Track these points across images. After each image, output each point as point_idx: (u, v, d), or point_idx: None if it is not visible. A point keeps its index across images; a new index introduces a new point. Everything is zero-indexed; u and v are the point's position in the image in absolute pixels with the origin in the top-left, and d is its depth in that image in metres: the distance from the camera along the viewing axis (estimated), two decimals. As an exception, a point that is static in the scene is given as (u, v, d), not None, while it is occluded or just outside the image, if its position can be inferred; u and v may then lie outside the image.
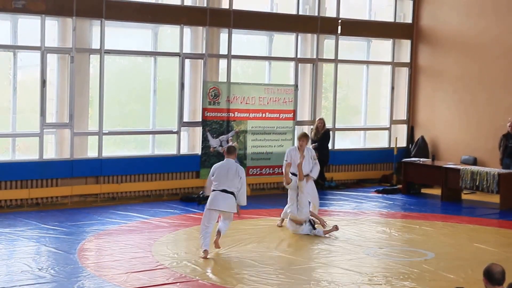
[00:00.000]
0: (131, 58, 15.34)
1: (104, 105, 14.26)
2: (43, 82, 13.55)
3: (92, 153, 14.28)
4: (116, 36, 14.77)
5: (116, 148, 15.00)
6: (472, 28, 17.15)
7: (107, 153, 14.41)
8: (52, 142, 14.07)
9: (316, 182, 16.44)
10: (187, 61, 15.17)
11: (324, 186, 16.44)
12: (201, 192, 14.81)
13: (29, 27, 13.64)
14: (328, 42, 17.18)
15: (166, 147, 15.30)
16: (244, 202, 10.40)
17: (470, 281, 8.84)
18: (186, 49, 15.17)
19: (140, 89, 15.39)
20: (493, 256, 10.33)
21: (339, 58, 17.24)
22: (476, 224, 13.13)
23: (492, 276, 5.89)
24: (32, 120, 13.69)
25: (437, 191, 16.20)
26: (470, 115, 17.16)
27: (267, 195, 15.82)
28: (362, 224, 12.88)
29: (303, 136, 12.14)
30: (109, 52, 14.26)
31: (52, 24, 13.85)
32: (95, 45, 14.16)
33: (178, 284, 8.78)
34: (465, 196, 16.07)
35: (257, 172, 15.76)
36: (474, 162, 16.67)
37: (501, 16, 16.61)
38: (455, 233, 12.28)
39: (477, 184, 14.96)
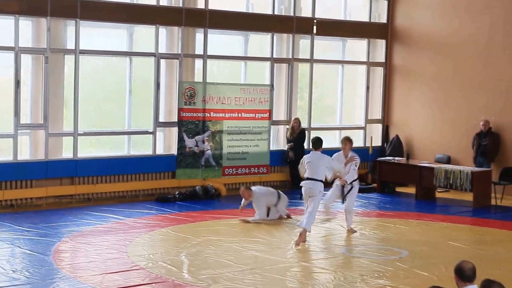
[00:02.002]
0: (106, 58, 15.27)
1: (79, 106, 14.19)
2: (17, 83, 13.45)
3: (67, 154, 14.20)
4: (91, 36, 14.70)
5: (91, 149, 14.93)
6: (446, 28, 17.29)
7: (82, 154, 14.34)
8: (27, 143, 13.96)
9: (292, 181, 16.58)
10: (162, 61, 15.13)
11: (300, 186, 16.43)
12: (176, 192, 14.80)
13: (3, 27, 13.53)
14: (304, 42, 17.22)
15: (141, 148, 15.25)
16: None
17: (444, 279, 8.91)
18: (162, 49, 15.14)
19: (116, 89, 15.33)
20: (467, 254, 10.42)
21: (314, 58, 17.29)
22: (450, 222, 13.24)
23: (463, 273, 5.94)
24: (6, 121, 13.58)
25: (411, 190, 16.31)
26: (444, 114, 17.29)
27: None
28: (336, 222, 12.93)
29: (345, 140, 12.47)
30: (84, 52, 14.19)
31: (26, 24, 13.75)
32: (70, 45, 14.08)
33: (153, 284, 8.76)
34: (439, 194, 16.20)
35: (233, 172, 15.76)
36: (448, 160, 16.79)
37: (474, 16, 16.75)
38: (429, 231, 12.37)
39: (450, 182, 15.08)
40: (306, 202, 11.45)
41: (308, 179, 11.42)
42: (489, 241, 11.77)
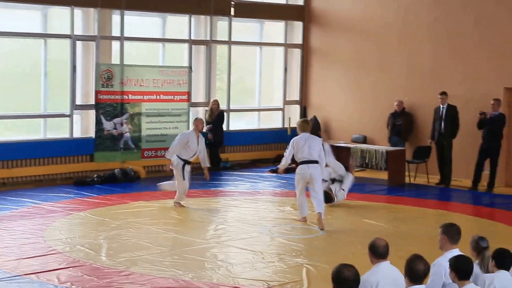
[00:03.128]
0: (20, 40, 14.86)
1: (-7, 89, 13.80)
2: None
3: (-19, 138, 13.81)
4: (4, 17, 14.27)
5: (7, 133, 14.56)
6: (363, 10, 17.51)
7: (-3, 137, 13.98)
8: None
9: (211, 163, 16.56)
10: (78, 43, 14.84)
11: (219, 167, 16.50)
12: (95, 175, 14.59)
13: None
14: (222, 24, 17.17)
15: (58, 131, 14.96)
16: None
17: (359, 256, 9.07)
18: (77, 31, 14.83)
19: (31, 72, 14.95)
20: (382, 231, 10.65)
21: (232, 39, 17.26)
22: (366, 201, 13.50)
23: (377, 250, 6.08)
24: None
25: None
26: (360, 95, 17.56)
27: (162, 177, 15.71)
28: (257, 203, 13.02)
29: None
30: (-4, 34, 13.79)
31: None
32: (-18, 27, 13.66)
33: (70, 268, 8.63)
34: (355, 173, 16.43)
35: (153, 154, 15.63)
36: (364, 140, 17.09)
37: (390, 0, 17.04)
38: (346, 210, 12.57)
39: (366, 161, 15.37)
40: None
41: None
42: (403, 218, 12.06)
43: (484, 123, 14.38)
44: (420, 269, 5.45)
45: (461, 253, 6.12)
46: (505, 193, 14.41)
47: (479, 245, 6.46)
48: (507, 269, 6.11)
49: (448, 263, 5.78)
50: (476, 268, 6.40)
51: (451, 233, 6.41)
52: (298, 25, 18.52)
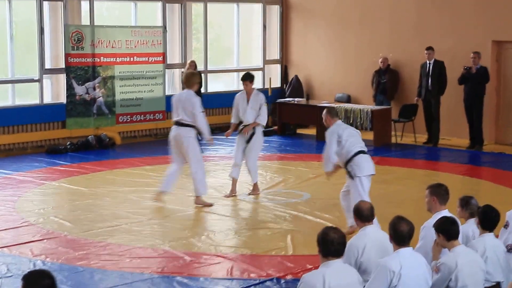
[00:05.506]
0: (-17, 1, 14.63)
1: (-44, 54, 13.60)
2: None
3: None
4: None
5: (-28, 100, 14.41)
6: (342, -36, 17.37)
7: (-37, 105, 13.82)
8: None
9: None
10: (45, 4, 14.60)
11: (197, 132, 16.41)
12: (68, 142, 14.49)
13: None
14: (197, -19, 16.98)
15: (27, 97, 14.80)
16: None
17: (345, 220, 9.10)
18: (44, -9, 14.62)
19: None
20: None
21: (208, -3, 17.09)
22: (351, 162, 13.49)
23: (361, 214, 6.12)
24: None
25: (312, 131, 16.54)
26: (343, 52, 17.49)
27: (139, 142, 15.67)
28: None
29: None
30: (-42, -5, 13.54)
31: None
32: None
33: (45, 241, 8.61)
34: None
35: (128, 119, 15.53)
36: (348, 99, 17.06)
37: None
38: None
39: (351, 121, 15.34)
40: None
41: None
42: (389, 179, 12.09)
43: (467, 78, 14.40)
44: (404, 230, 5.48)
45: (450, 214, 6.15)
46: (494, 150, 14.49)
47: (472, 205, 6.48)
48: (493, 227, 6.13)
49: (433, 227, 5.81)
50: (466, 229, 6.45)
51: (440, 193, 6.44)
52: (277, -20, 18.36)
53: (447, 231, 5.71)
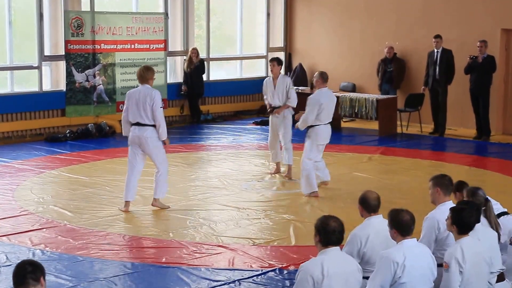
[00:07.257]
0: (-19, -14, 14.63)
1: (-46, 40, 13.62)
2: None
3: None
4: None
5: (-30, 87, 14.43)
6: (348, -51, 17.34)
7: (-39, 92, 13.84)
8: None
9: (192, 115, 16.57)
10: (45, -11, 14.63)
11: (200, 120, 16.47)
12: (67, 131, 14.53)
13: None
14: (199, -34, 16.98)
15: (27, 84, 14.83)
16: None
17: (349, 210, 9.13)
18: (44, -24, 14.62)
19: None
20: (372, 184, 10.71)
21: (211, -17, 17.08)
22: (356, 152, 13.55)
23: (368, 204, 6.12)
24: None
25: (316, 120, 16.51)
26: (348, 41, 17.48)
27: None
28: (241, 157, 13.03)
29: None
30: (-45, -20, 13.55)
31: None
32: None
33: (44, 230, 8.65)
34: (344, 124, 16.50)
35: (128, 107, 15.53)
36: (353, 88, 17.07)
37: None
38: (335, 162, 12.60)
39: (356, 111, 15.37)
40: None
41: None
42: (395, 170, 12.13)
43: (473, 67, 14.39)
44: (407, 219, 5.51)
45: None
46: (502, 141, 14.51)
47: (479, 196, 6.43)
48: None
49: (450, 213, 5.71)
50: None
51: (444, 184, 6.44)
52: (281, -34, 18.34)
53: (463, 224, 5.56)
